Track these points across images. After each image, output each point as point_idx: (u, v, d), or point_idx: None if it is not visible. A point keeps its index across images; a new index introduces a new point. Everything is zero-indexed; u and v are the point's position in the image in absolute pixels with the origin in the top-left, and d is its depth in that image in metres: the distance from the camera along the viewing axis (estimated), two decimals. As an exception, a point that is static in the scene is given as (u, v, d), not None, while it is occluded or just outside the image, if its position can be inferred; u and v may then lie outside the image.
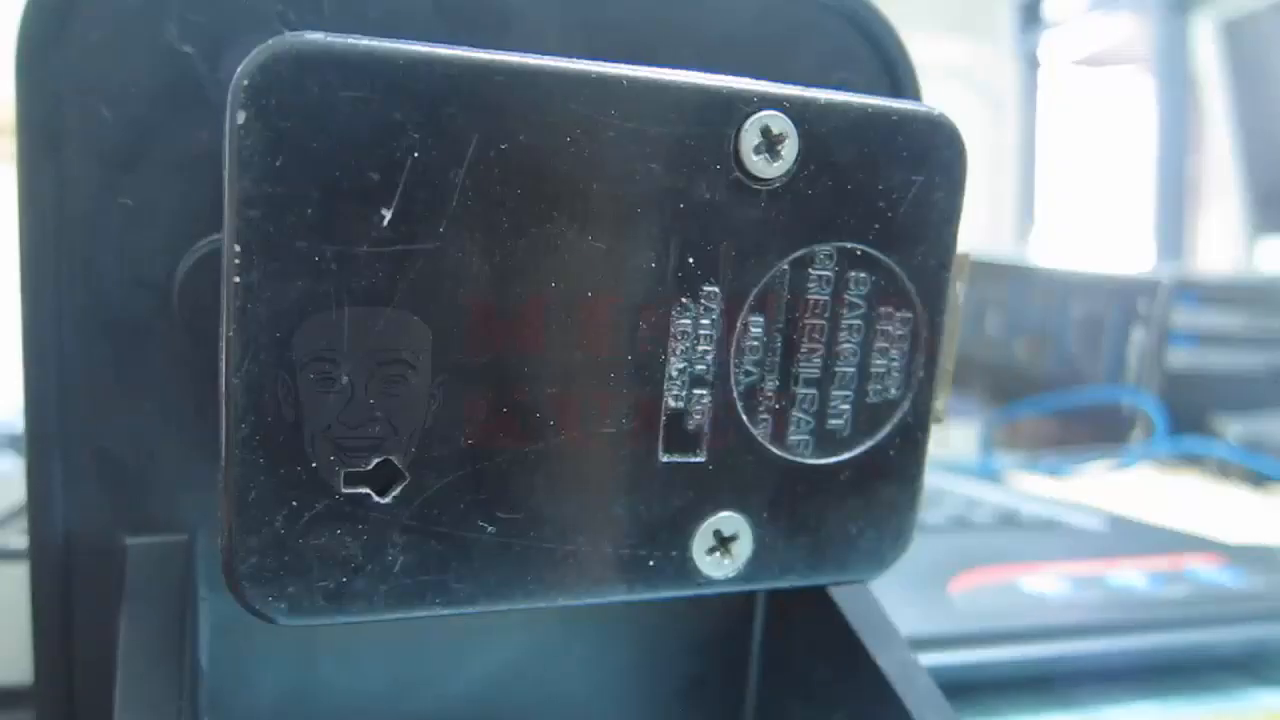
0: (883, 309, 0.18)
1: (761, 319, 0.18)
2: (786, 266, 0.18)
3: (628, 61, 0.16)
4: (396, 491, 0.16)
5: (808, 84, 0.17)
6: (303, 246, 0.15)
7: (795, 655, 0.22)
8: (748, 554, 0.18)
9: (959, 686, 0.17)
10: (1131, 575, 0.37)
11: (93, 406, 0.18)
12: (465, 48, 0.16)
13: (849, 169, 0.18)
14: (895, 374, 0.19)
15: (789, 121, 0.17)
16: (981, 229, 1.45)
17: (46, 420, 0.17)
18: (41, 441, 0.18)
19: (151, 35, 0.17)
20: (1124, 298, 0.69)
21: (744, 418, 0.18)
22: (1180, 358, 0.67)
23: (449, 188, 0.16)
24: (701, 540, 0.18)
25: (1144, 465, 0.65)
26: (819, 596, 0.21)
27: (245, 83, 0.14)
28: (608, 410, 0.17)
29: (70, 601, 0.18)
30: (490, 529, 0.17)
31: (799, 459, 0.18)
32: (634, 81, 0.16)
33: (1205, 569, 0.38)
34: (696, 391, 0.18)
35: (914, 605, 0.31)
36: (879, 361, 0.19)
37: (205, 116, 0.17)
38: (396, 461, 0.16)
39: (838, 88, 0.18)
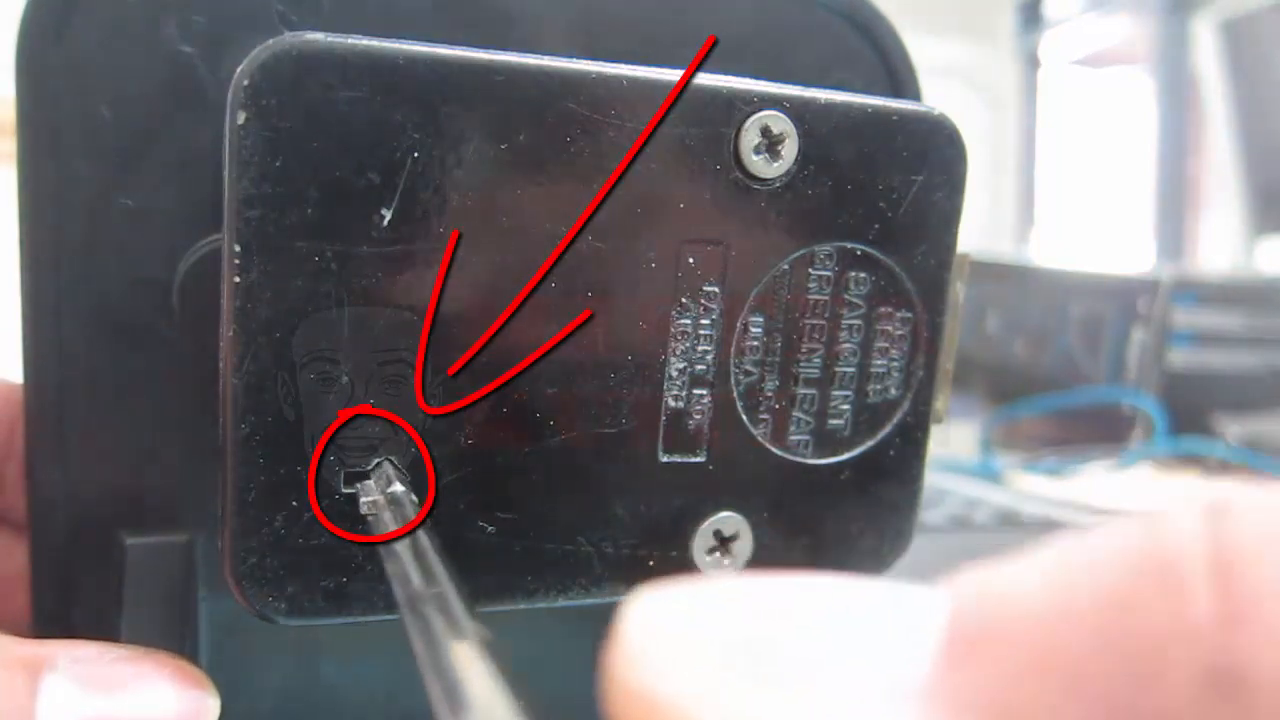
0: (883, 309, 0.18)
1: (761, 319, 0.18)
2: (787, 266, 0.18)
3: (628, 61, 0.16)
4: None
5: (808, 84, 0.17)
6: (303, 246, 0.15)
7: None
8: (748, 554, 0.18)
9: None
10: (1131, 575, 0.36)
11: (93, 406, 0.18)
12: (465, 47, 0.16)
13: (849, 169, 0.18)
14: (895, 374, 0.19)
15: (789, 121, 0.17)
16: (981, 229, 1.45)
17: (46, 420, 0.17)
18: (42, 441, 0.18)
19: (151, 35, 0.17)
20: (1124, 298, 0.69)
21: (744, 418, 0.18)
22: (1180, 358, 0.67)
23: (449, 187, 0.16)
24: (701, 540, 0.18)
25: (1144, 465, 0.65)
26: (819, 596, 0.21)
27: (245, 83, 0.14)
28: (608, 410, 0.17)
29: (70, 601, 0.18)
30: (490, 529, 0.17)
31: (799, 459, 0.18)
32: (634, 81, 0.16)
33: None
34: (696, 391, 0.18)
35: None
36: (879, 361, 0.19)
37: (205, 116, 0.17)
38: (396, 461, 0.16)
39: (838, 88, 0.18)
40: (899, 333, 0.19)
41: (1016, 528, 0.44)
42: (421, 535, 0.14)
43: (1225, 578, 0.07)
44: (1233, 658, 0.07)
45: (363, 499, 0.16)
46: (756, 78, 0.17)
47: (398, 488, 0.16)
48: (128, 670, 0.16)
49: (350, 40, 0.15)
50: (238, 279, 0.15)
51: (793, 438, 0.18)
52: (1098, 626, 0.08)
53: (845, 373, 0.18)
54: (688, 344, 0.17)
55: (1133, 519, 0.08)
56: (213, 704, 0.16)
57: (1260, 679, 0.07)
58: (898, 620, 0.08)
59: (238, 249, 0.15)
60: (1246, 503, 0.08)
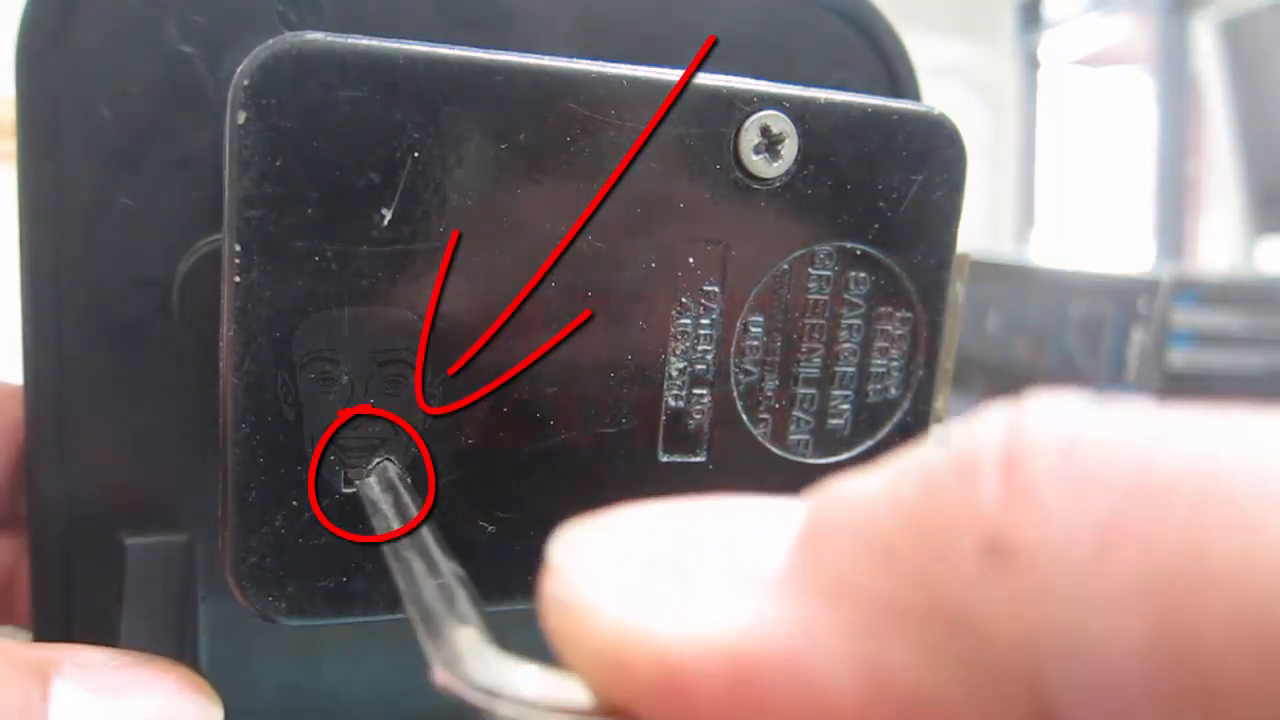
0: (882, 309, 0.18)
1: (761, 319, 0.18)
2: (787, 266, 0.18)
3: (628, 61, 0.16)
4: (396, 491, 0.16)
5: (808, 84, 0.17)
6: (303, 246, 0.15)
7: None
8: (748, 554, 0.18)
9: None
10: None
11: (93, 406, 0.18)
12: (465, 47, 0.16)
13: (849, 169, 0.18)
14: (895, 374, 0.19)
15: (789, 121, 0.17)
16: (981, 229, 1.45)
17: (46, 420, 0.17)
18: (42, 441, 0.18)
19: (151, 35, 0.17)
20: (1124, 298, 0.69)
21: (744, 417, 0.18)
22: (1180, 358, 0.67)
23: (449, 187, 0.16)
24: (701, 540, 0.18)
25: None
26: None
27: (245, 83, 0.14)
28: (608, 410, 0.17)
29: (70, 601, 0.18)
30: (490, 529, 0.17)
31: (799, 458, 0.18)
32: (634, 81, 0.16)
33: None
34: (696, 391, 0.18)
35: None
36: (879, 361, 0.19)
37: (205, 116, 0.17)
38: (396, 461, 0.16)
39: (838, 88, 0.18)
40: (899, 332, 0.19)
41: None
42: (424, 532, 0.14)
43: (1010, 469, 0.09)
44: (1006, 533, 0.08)
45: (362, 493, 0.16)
46: (756, 78, 0.17)
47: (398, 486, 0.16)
48: (132, 677, 0.16)
49: (350, 40, 0.15)
50: (238, 279, 0.15)
51: (793, 437, 0.18)
52: (910, 514, 0.09)
53: (845, 372, 0.18)
54: (688, 344, 0.17)
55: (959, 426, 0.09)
56: (215, 711, 0.16)
57: (1026, 549, 0.08)
58: (766, 524, 0.10)
59: (238, 249, 0.15)
60: (1039, 407, 0.09)
